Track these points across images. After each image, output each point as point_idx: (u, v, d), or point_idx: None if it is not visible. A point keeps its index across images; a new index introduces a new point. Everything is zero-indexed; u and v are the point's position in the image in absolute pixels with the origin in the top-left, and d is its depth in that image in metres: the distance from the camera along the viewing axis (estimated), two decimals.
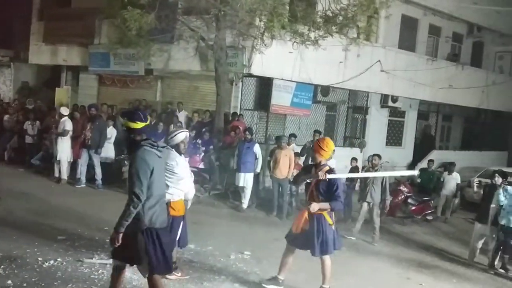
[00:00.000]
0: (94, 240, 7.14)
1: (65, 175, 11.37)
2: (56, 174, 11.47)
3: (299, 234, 5.89)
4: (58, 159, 11.29)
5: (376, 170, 9.73)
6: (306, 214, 5.85)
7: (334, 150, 6.21)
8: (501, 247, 8.78)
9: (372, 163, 10.00)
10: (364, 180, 9.80)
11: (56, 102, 16.78)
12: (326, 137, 6.30)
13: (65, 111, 11.59)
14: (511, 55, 21.55)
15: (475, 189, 10.31)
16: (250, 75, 13.02)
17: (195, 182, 10.74)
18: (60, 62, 17.67)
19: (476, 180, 13.32)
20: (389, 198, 9.79)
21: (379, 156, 10.02)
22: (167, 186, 5.96)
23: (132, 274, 5.93)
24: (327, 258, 5.93)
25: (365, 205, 9.71)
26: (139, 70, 14.92)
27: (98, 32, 16.00)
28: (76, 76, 17.68)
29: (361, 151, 15.59)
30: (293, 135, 11.84)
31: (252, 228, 9.59)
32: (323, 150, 5.78)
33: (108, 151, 11.59)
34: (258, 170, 11.14)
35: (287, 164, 10.72)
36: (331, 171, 5.81)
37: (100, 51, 15.70)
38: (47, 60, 18.03)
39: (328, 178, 5.67)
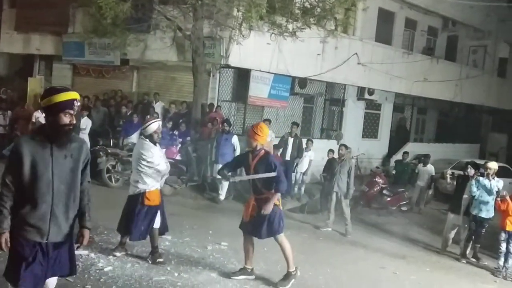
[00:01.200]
0: None
1: None
2: None
3: (249, 221, 5.93)
4: None
5: (342, 161, 9.86)
6: (253, 201, 5.89)
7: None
8: (473, 237, 9.01)
9: (339, 153, 10.12)
10: (331, 171, 9.97)
11: (29, 92, 16.41)
12: (261, 122, 6.40)
13: None
14: (484, 50, 21.98)
15: (448, 180, 10.51)
16: (228, 66, 12.96)
17: (172, 173, 10.75)
18: (33, 51, 17.25)
19: (449, 171, 13.58)
20: (353, 188, 9.86)
21: (345, 146, 10.16)
22: (141, 176, 5.93)
23: (107, 266, 5.87)
24: (283, 241, 5.95)
25: (333, 195, 9.82)
26: (114, 60, 14.69)
27: (72, 20, 15.66)
28: (50, 65, 17.28)
29: (337, 143, 15.67)
30: (267, 120, 11.89)
31: (229, 219, 9.54)
32: (258, 135, 5.78)
33: None
34: None
35: None
36: (267, 154, 5.84)
37: (74, 40, 15.38)
38: (19, 49, 17.58)
39: (264, 161, 5.72)
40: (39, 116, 11.06)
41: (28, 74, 17.77)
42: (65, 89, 3.45)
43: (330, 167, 10.70)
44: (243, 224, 6.07)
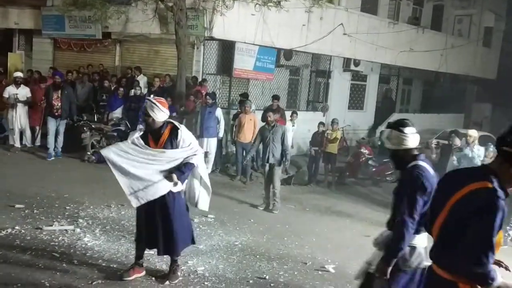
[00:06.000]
0: (54, 207, 6.98)
1: (17, 143, 11.06)
2: (11, 142, 11.13)
3: None
4: (11, 127, 10.97)
5: (273, 127, 8.81)
6: None
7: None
8: None
9: (267, 120, 9.07)
10: (263, 140, 8.86)
11: (9, 67, 16.05)
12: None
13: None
14: (470, 19, 21.92)
15: (433, 150, 10.60)
16: (212, 38, 12.76)
17: None
18: (12, 25, 16.79)
19: (434, 141, 13.69)
20: (289, 160, 8.98)
21: (273, 111, 9.58)
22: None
23: (93, 240, 5.85)
24: None
25: (266, 167, 8.83)
26: (96, 34, 14.39)
27: None
28: (30, 40, 16.89)
29: (324, 115, 15.74)
30: (244, 94, 11.95)
31: (216, 192, 9.51)
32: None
33: None
34: (221, 134, 11.09)
35: (251, 129, 10.72)
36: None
37: (53, 13, 15.02)
38: None
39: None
40: (16, 92, 10.82)
41: (8, 49, 17.36)
42: None
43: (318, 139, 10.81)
44: None
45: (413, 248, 3.51)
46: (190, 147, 4.71)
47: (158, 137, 4.68)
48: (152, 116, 4.62)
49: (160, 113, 4.64)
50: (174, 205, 4.74)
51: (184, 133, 4.72)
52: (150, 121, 4.67)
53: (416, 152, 3.55)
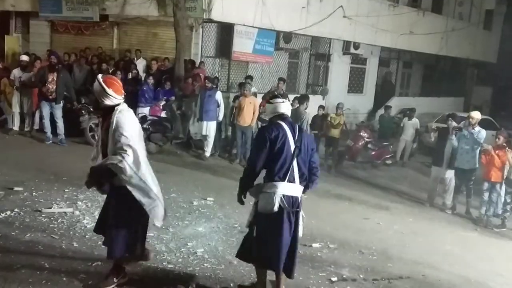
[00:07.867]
0: (53, 190, 6.97)
1: (16, 126, 11.00)
2: (10, 125, 11.07)
3: None
4: (14, 110, 10.91)
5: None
6: None
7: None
8: (455, 188, 9.21)
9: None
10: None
11: (6, 51, 15.92)
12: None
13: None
14: (471, 2, 21.71)
15: (432, 135, 10.58)
16: (211, 21, 12.64)
17: (157, 131, 10.67)
18: (8, 7, 16.60)
19: (433, 127, 13.64)
20: None
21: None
22: None
23: (92, 223, 5.85)
24: None
25: None
26: (93, 16, 14.24)
27: None
28: (26, 22, 16.70)
29: (323, 99, 15.69)
30: (249, 77, 11.81)
31: (215, 176, 9.60)
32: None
33: None
34: (220, 118, 11.04)
35: (251, 112, 10.67)
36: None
37: None
38: None
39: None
40: (21, 75, 10.74)
41: (5, 32, 17.19)
42: None
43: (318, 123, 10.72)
44: None
45: (268, 194, 4.20)
46: (121, 135, 3.82)
47: (107, 122, 3.98)
48: (96, 97, 3.99)
49: (107, 99, 3.92)
50: (114, 201, 4.10)
51: (120, 117, 3.87)
52: (95, 102, 4.07)
53: (285, 116, 4.35)
